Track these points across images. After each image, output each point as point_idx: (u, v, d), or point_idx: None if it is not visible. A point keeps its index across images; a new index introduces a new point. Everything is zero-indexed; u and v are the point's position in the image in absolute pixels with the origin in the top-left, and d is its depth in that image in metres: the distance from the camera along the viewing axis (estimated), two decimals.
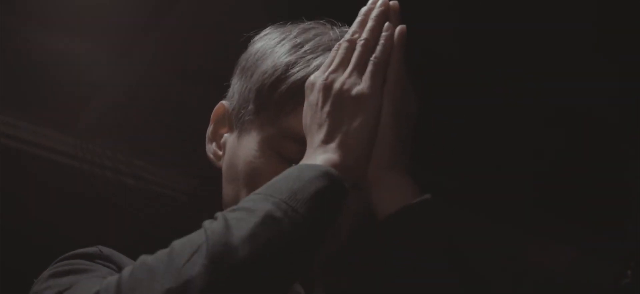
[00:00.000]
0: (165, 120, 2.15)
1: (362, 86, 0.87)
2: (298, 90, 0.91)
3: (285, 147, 0.92)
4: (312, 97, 0.88)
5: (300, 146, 0.89)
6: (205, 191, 2.22)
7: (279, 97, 0.93)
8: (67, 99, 2.27)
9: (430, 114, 2.34)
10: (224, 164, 0.98)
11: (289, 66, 0.93)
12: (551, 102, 2.34)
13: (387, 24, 0.92)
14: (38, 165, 2.36)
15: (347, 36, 0.91)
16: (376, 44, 0.90)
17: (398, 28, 0.91)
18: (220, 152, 1.00)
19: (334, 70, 0.88)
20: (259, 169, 0.93)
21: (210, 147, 1.01)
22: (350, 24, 0.94)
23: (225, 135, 1.00)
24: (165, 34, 2.09)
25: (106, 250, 0.95)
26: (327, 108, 0.86)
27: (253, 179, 0.93)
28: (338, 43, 0.91)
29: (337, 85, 0.87)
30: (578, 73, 2.23)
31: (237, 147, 0.96)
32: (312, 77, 0.89)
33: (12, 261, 2.48)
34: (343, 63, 0.89)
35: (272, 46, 0.99)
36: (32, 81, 2.25)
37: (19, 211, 2.41)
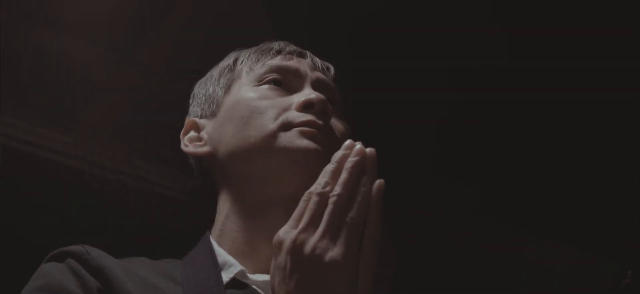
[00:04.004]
0: (165, 120, 2.15)
1: (335, 251, 0.77)
2: (256, 53, 1.11)
3: (267, 80, 1.07)
4: (280, 258, 0.81)
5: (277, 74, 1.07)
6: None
7: (242, 68, 1.11)
8: (67, 99, 2.27)
9: (431, 113, 2.35)
10: (213, 141, 1.07)
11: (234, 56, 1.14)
12: (551, 102, 2.34)
13: (364, 177, 0.82)
14: (38, 165, 2.36)
15: (318, 188, 0.82)
16: (351, 200, 0.80)
17: (376, 183, 0.82)
18: (201, 142, 1.10)
19: (304, 230, 0.80)
20: (244, 99, 1.05)
21: (190, 147, 1.11)
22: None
23: (204, 129, 1.11)
24: (165, 34, 2.09)
25: (93, 251, 0.97)
26: (296, 275, 0.79)
27: (242, 108, 1.04)
28: (307, 193, 0.83)
29: (307, 249, 0.78)
30: (578, 73, 2.23)
31: (227, 112, 1.07)
32: (280, 234, 0.82)
33: (12, 261, 2.48)
34: (313, 221, 0.80)
35: (213, 69, 1.18)
36: (32, 80, 2.25)
37: (19, 211, 2.41)
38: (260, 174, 1.00)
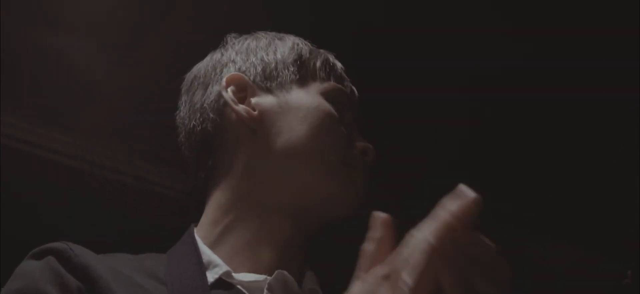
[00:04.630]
0: (165, 120, 2.15)
1: None
2: (325, 64, 1.08)
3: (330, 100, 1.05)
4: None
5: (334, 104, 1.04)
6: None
7: (316, 69, 1.07)
8: (67, 99, 2.27)
9: (433, 113, 2.35)
10: (267, 119, 1.02)
11: (311, 47, 1.10)
12: (551, 102, 2.34)
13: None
14: (38, 165, 2.36)
15: (430, 239, 0.67)
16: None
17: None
18: (255, 112, 1.03)
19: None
20: (325, 111, 1.03)
21: (240, 107, 1.03)
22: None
23: (256, 98, 1.04)
24: (165, 34, 2.09)
25: (76, 248, 0.95)
26: None
27: (323, 119, 1.02)
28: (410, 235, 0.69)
29: None
30: (578, 73, 2.23)
31: (289, 102, 1.03)
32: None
33: (12, 261, 2.48)
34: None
35: (271, 37, 1.12)
36: (32, 80, 2.25)
37: (19, 211, 2.40)
38: (309, 186, 1.00)
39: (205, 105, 1.07)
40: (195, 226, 1.07)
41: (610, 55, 2.18)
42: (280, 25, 1.88)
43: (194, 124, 1.07)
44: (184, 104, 1.12)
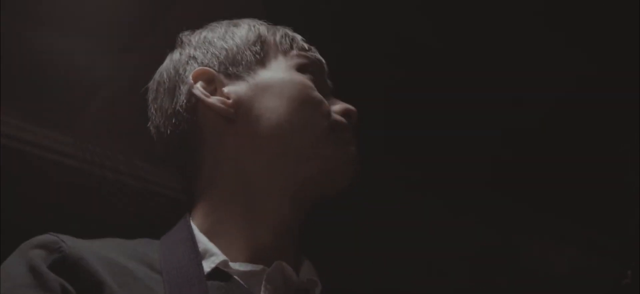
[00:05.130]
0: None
1: None
2: (285, 37, 1.07)
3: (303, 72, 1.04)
4: None
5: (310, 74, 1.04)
6: None
7: (279, 45, 1.06)
8: (67, 99, 2.27)
9: (429, 111, 2.35)
10: (243, 105, 1.00)
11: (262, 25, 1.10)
12: (551, 103, 2.34)
13: None
14: (38, 165, 2.36)
15: None
16: None
17: None
18: (229, 101, 1.01)
19: None
20: (299, 81, 1.02)
21: (213, 99, 1.01)
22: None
23: (227, 87, 1.03)
24: (165, 34, 2.09)
25: (67, 240, 0.94)
26: None
27: (299, 90, 1.01)
28: None
29: None
30: (578, 73, 2.23)
31: (260, 82, 1.02)
32: None
33: None
34: None
35: (226, 25, 1.11)
36: (32, 80, 2.25)
37: (19, 211, 2.40)
38: (302, 161, 0.99)
39: (177, 108, 1.04)
40: (190, 214, 1.05)
41: (610, 56, 2.18)
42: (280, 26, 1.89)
43: (170, 130, 1.05)
44: (154, 113, 1.09)
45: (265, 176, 0.99)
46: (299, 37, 1.12)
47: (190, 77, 1.04)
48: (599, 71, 2.21)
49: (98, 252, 0.93)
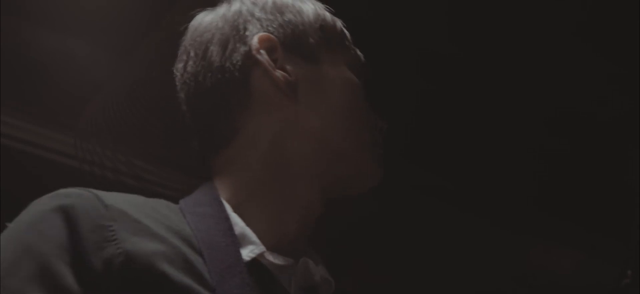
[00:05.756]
0: (165, 120, 2.15)
1: None
2: (343, 30, 1.06)
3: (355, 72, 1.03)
4: None
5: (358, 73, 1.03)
6: None
7: (338, 36, 1.04)
8: (67, 99, 2.27)
9: (431, 115, 2.35)
10: (303, 88, 0.97)
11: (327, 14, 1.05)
12: (552, 104, 2.34)
13: None
14: (38, 165, 2.36)
15: None
16: None
17: None
18: (291, 78, 0.98)
19: None
20: (356, 85, 1.02)
21: (278, 74, 0.97)
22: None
23: (289, 64, 0.99)
24: (165, 34, 2.09)
25: (107, 197, 0.85)
26: None
27: (356, 94, 1.01)
28: None
29: None
30: (578, 73, 2.23)
31: (322, 71, 1.00)
32: None
33: None
34: None
35: None
36: (32, 81, 2.25)
37: (19, 211, 2.40)
38: (343, 159, 0.98)
39: (227, 64, 0.97)
40: (213, 184, 0.98)
41: (611, 58, 2.18)
42: None
43: (211, 82, 0.98)
44: (191, 58, 1.01)
45: (304, 163, 0.96)
46: (347, 33, 1.09)
47: (255, 40, 0.98)
48: (599, 72, 2.21)
49: (138, 219, 0.85)
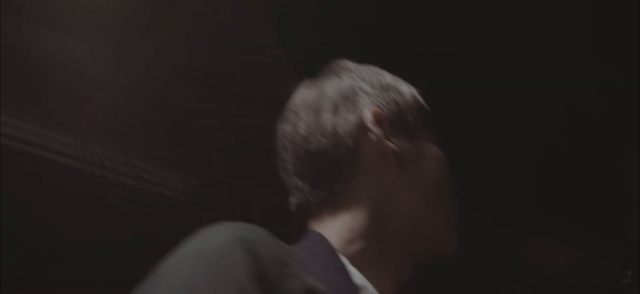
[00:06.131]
0: (165, 120, 2.15)
1: None
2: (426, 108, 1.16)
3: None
4: None
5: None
6: (205, 191, 2.22)
7: (427, 115, 1.14)
8: (67, 99, 2.27)
9: (433, 115, 2.35)
10: (406, 161, 1.08)
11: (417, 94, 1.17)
12: (551, 102, 2.34)
13: None
14: (38, 165, 2.36)
15: None
16: None
17: None
18: (398, 150, 1.09)
19: None
20: (446, 163, 1.12)
21: (389, 145, 1.08)
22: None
23: (395, 138, 1.10)
24: (165, 34, 2.09)
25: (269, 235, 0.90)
26: None
27: (447, 172, 1.12)
28: None
29: None
30: (578, 73, 2.23)
31: (421, 148, 1.11)
32: None
33: (12, 261, 2.48)
34: None
35: (379, 73, 1.17)
36: (32, 81, 2.25)
37: (19, 211, 2.40)
38: (435, 231, 1.09)
39: (339, 130, 1.08)
40: (323, 237, 1.07)
41: (610, 55, 2.18)
42: (280, 24, 1.89)
43: (321, 146, 1.08)
44: (302, 121, 1.11)
45: (402, 229, 1.06)
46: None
47: (368, 113, 1.09)
48: (597, 68, 2.21)
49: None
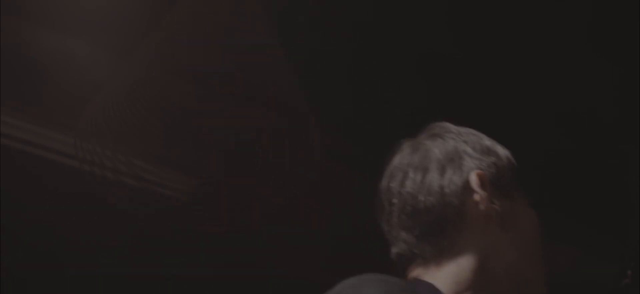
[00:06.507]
0: (165, 120, 2.15)
1: None
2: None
3: None
4: None
5: None
6: (205, 191, 2.22)
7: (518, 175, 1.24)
8: (67, 99, 2.27)
9: (433, 115, 2.35)
10: (507, 221, 1.18)
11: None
12: (552, 103, 2.34)
13: None
14: (38, 165, 2.36)
15: None
16: None
17: None
18: (499, 211, 1.18)
19: None
20: (538, 223, 1.23)
21: (493, 206, 1.18)
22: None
23: (496, 199, 1.19)
24: (165, 34, 2.09)
25: None
26: None
27: (538, 231, 1.23)
28: None
29: None
30: (578, 74, 2.23)
31: (516, 209, 1.20)
32: None
33: (12, 261, 2.48)
34: None
35: (479, 136, 1.27)
36: (32, 81, 2.25)
37: (19, 211, 2.40)
38: (530, 287, 1.20)
39: (446, 190, 1.18)
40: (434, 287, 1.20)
41: (610, 55, 2.18)
42: (281, 24, 1.89)
43: (429, 204, 1.18)
44: (409, 178, 1.21)
45: (506, 282, 1.16)
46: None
47: (474, 175, 1.19)
48: (597, 69, 2.21)
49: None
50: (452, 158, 1.21)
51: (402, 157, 1.24)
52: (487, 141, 1.26)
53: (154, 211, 2.37)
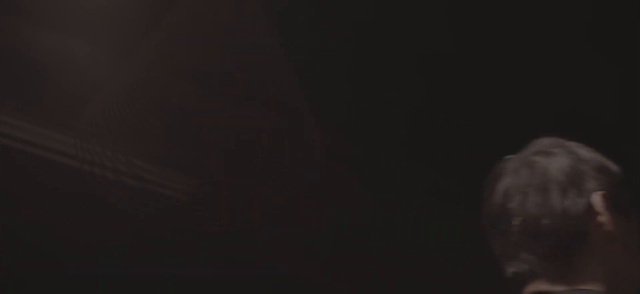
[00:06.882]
0: (165, 120, 2.15)
1: None
2: None
3: None
4: None
5: None
6: (205, 191, 2.22)
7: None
8: (67, 99, 2.27)
9: (433, 115, 2.35)
10: (620, 238, 1.18)
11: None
12: (552, 103, 2.34)
13: None
14: (38, 165, 2.36)
15: None
16: None
17: None
18: (619, 232, 1.18)
19: None
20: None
21: (616, 230, 1.18)
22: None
23: (620, 220, 1.19)
24: (165, 34, 2.09)
25: None
26: None
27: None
28: None
29: None
30: (578, 74, 2.23)
31: (621, 225, 1.18)
32: None
33: (12, 261, 2.48)
34: None
35: (593, 153, 1.26)
36: (32, 81, 2.25)
37: (19, 211, 2.40)
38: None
39: (570, 210, 1.17)
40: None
41: (610, 55, 2.18)
42: (281, 23, 1.89)
43: (551, 226, 1.17)
44: (528, 200, 1.20)
45: None
46: None
47: (597, 197, 1.18)
48: (597, 69, 2.21)
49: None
50: (573, 180, 1.20)
51: (518, 177, 1.23)
52: (601, 158, 1.26)
53: (154, 211, 2.37)
